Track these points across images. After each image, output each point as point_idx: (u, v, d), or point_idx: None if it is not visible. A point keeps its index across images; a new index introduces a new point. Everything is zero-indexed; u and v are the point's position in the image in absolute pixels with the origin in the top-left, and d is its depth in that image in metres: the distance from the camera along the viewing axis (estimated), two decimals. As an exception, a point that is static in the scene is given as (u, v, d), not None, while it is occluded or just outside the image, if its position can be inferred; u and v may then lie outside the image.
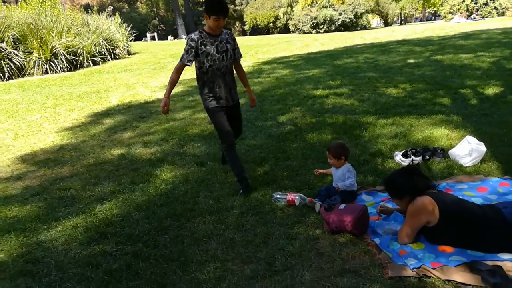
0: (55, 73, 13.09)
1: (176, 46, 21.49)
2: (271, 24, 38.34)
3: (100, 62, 14.47)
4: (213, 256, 2.61)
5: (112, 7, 19.83)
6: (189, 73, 11.89)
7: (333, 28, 27.77)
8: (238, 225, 2.97)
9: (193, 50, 3.35)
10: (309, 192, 3.37)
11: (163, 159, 4.60)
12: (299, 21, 28.98)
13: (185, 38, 34.32)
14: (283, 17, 35.19)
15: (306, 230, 2.82)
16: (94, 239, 2.95)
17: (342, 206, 2.82)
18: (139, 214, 3.29)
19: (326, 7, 28.48)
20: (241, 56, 3.67)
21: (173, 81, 3.46)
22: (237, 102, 3.71)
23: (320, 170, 3.62)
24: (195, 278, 2.41)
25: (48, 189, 4.03)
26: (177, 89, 9.15)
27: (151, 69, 12.97)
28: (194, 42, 3.34)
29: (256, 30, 40.26)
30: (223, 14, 3.24)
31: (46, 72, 13.07)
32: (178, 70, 3.46)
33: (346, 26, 27.99)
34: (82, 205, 3.57)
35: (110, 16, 17.35)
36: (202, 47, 3.35)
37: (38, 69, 13.01)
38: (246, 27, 41.36)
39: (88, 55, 14.03)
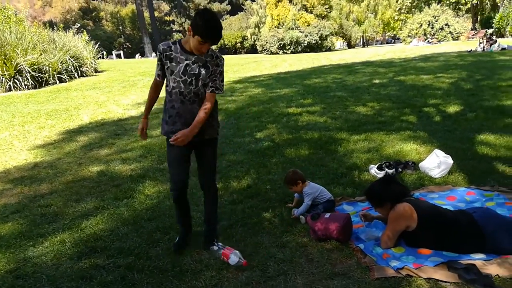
0: (19, 90, 12.72)
1: (144, 64, 21.41)
2: (239, 44, 39.09)
3: (67, 80, 14.19)
4: (207, 265, 2.69)
5: (78, 25, 19.51)
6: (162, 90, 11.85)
7: (300, 49, 28.69)
8: (228, 236, 3.07)
9: (159, 62, 2.82)
10: (292, 204, 3.52)
11: (144, 175, 4.63)
12: (267, 42, 29.74)
13: (154, 57, 34.03)
14: (251, 38, 36.00)
15: (295, 239, 2.97)
16: (84, 253, 2.95)
17: (327, 215, 2.99)
18: (128, 228, 3.31)
19: (292, 28, 29.47)
20: (217, 90, 2.79)
21: (149, 100, 2.97)
22: (207, 140, 2.87)
23: (294, 211, 3.37)
24: (192, 286, 2.48)
25: (28, 206, 3.95)
26: (150, 107, 9.15)
27: (121, 86, 12.86)
28: (159, 53, 2.77)
29: (224, 50, 40.80)
30: (212, 42, 2.63)
31: (10, 90, 12.67)
32: (153, 87, 2.95)
33: (312, 48, 29.00)
34: (66, 221, 3.54)
35: (77, 33, 17.13)
36: (168, 61, 2.74)
37: (1, 86, 12.60)
38: (213, 47, 41.83)
39: (55, 73, 13.74)
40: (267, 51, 29.72)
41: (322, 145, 5.22)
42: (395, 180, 2.95)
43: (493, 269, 2.38)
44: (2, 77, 12.59)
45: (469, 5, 38.24)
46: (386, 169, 4.09)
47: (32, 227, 3.46)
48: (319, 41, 29.41)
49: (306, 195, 3.40)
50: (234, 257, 2.66)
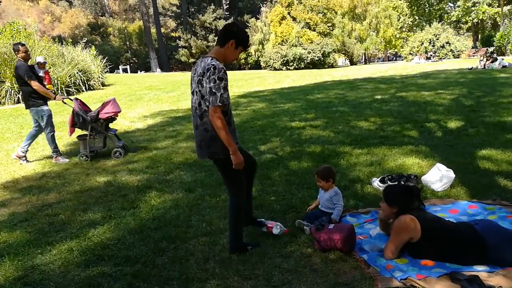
0: (27, 103, 12.90)
1: (150, 79, 21.72)
2: (243, 60, 39.47)
3: (75, 93, 14.45)
4: (213, 274, 2.74)
5: (86, 39, 19.91)
6: (166, 104, 11.98)
7: (303, 66, 29.02)
8: (233, 246, 3.10)
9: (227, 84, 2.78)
10: (296, 216, 3.56)
11: (150, 186, 4.69)
12: (270, 58, 30.11)
13: (160, 72, 33.68)
14: (255, 54, 36.39)
15: (299, 249, 3.01)
16: (92, 262, 3.00)
17: (331, 226, 3.04)
18: (134, 237, 3.37)
19: (296, 45, 29.85)
20: None
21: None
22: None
23: (311, 207, 3.69)
24: (198, 294, 2.52)
25: (36, 215, 4.02)
26: (155, 120, 9.30)
27: (127, 100, 13.05)
28: (226, 75, 2.76)
29: (228, 66, 41.19)
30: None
31: (18, 102, 12.87)
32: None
33: (315, 64, 29.33)
34: (74, 230, 3.60)
35: (85, 48, 17.46)
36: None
37: (9, 99, 12.82)
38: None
39: (63, 86, 13.99)
40: (271, 67, 30.06)
41: (325, 158, 5.28)
42: (417, 195, 2.98)
43: (496, 280, 2.42)
44: (11, 90, 12.82)
45: (469, 24, 38.71)
46: (389, 182, 4.14)
47: (40, 236, 3.52)
48: (322, 58, 29.75)
49: (337, 194, 3.47)
50: (276, 228, 3.20)
